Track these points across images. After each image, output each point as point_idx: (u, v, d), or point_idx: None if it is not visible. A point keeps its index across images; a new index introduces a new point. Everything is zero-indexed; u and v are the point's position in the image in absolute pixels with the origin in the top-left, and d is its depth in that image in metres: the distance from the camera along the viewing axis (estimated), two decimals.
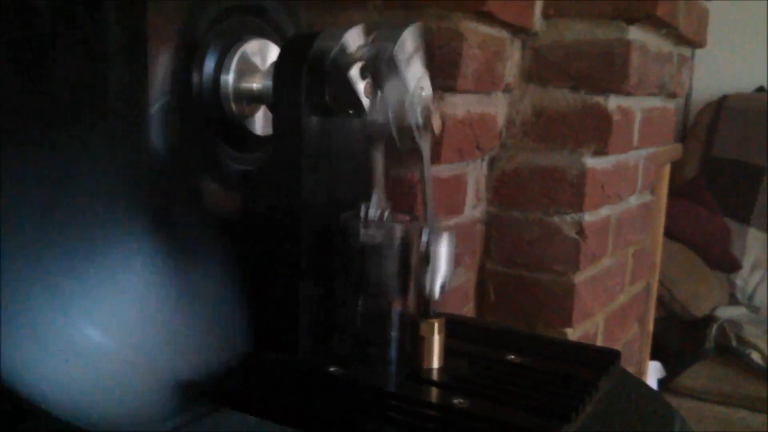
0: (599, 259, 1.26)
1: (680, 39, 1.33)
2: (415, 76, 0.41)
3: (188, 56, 0.47)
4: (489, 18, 0.99)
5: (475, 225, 1.19)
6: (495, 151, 1.18)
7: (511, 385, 0.39)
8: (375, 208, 0.42)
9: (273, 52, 0.51)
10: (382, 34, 0.42)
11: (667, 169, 2.64)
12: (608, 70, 1.10)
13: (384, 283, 0.41)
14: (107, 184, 0.44)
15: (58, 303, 0.42)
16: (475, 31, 0.99)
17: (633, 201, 1.42)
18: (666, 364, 2.68)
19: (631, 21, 1.08)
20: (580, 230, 1.16)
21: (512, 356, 0.43)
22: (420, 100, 0.42)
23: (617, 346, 1.48)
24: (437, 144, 0.99)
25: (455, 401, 0.37)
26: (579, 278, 1.19)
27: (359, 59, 0.41)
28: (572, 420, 0.35)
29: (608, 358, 0.42)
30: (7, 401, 0.43)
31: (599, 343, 1.34)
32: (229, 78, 0.50)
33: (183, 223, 0.47)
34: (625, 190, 1.34)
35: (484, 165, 1.18)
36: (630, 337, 1.58)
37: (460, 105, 1.02)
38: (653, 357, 2.59)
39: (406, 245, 0.42)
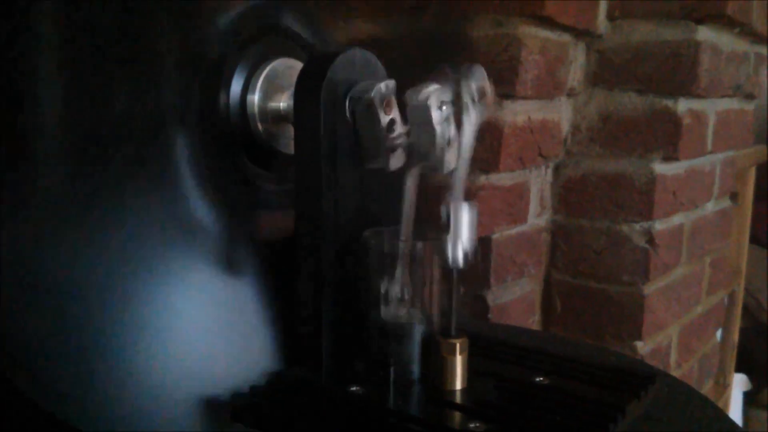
0: (672, 269, 1.21)
1: (756, 37, 1.27)
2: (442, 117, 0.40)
3: (216, 76, 0.47)
4: (549, 22, 0.96)
5: (540, 234, 1.16)
6: (560, 157, 1.15)
7: (534, 409, 0.37)
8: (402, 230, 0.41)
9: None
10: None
11: (752, 173, 2.53)
12: (676, 72, 1.05)
13: (404, 301, 0.40)
14: (137, 204, 0.44)
15: (97, 316, 0.43)
16: (535, 35, 0.96)
17: (710, 208, 1.36)
18: (752, 377, 2.57)
19: (699, 20, 1.04)
20: (650, 239, 1.11)
21: (540, 378, 0.41)
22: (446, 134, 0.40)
23: (693, 360, 1.42)
24: (495, 152, 0.97)
25: (471, 425, 0.35)
26: (649, 289, 1.14)
27: (381, 95, 0.40)
28: None
29: (643, 382, 0.40)
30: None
31: (673, 356, 1.29)
32: (255, 98, 0.50)
33: (212, 241, 0.47)
34: (700, 196, 1.28)
35: (549, 172, 1.15)
36: (708, 350, 1.51)
37: (520, 111, 0.99)
38: (738, 369, 2.49)
39: (428, 263, 0.41)
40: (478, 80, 0.41)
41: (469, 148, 0.40)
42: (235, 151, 0.49)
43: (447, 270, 0.39)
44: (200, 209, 0.46)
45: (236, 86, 0.49)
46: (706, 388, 1.55)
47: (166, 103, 0.44)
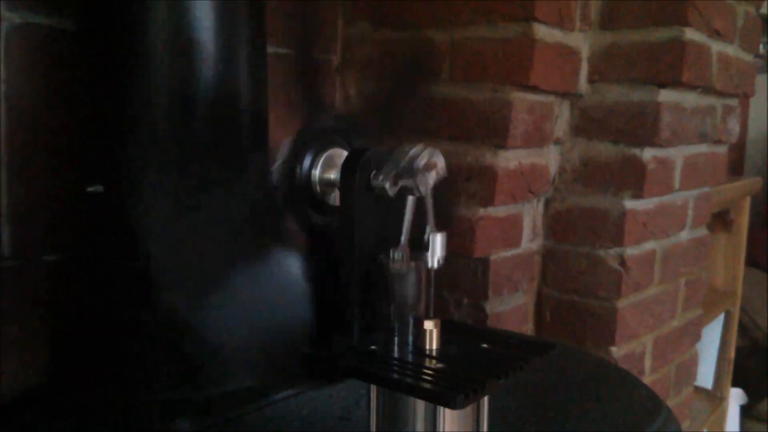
0: (644, 288, 1.44)
1: (720, 94, 1.50)
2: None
3: (295, 158, 0.76)
4: (534, 88, 1.21)
5: (532, 256, 1.40)
6: (549, 193, 1.39)
7: (476, 358, 0.62)
8: (400, 253, 0.67)
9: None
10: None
11: (747, 202, 2.73)
12: (642, 127, 1.29)
13: (405, 297, 0.66)
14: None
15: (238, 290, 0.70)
16: (523, 99, 1.21)
17: (684, 236, 1.58)
18: (748, 391, 2.76)
19: (661, 85, 1.28)
20: (622, 262, 1.35)
21: (485, 345, 0.66)
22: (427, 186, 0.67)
23: (670, 367, 1.64)
24: (492, 190, 1.22)
25: (439, 365, 0.60)
26: (622, 304, 1.37)
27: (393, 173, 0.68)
28: (500, 378, 0.58)
29: (546, 348, 0.65)
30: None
31: (647, 362, 1.51)
32: (317, 171, 0.82)
33: (289, 258, 0.75)
34: (672, 226, 1.51)
35: (541, 205, 1.40)
36: (686, 359, 1.73)
37: (512, 158, 1.24)
38: (735, 384, 2.67)
39: (418, 273, 0.67)
40: (431, 157, 0.66)
41: (430, 201, 0.66)
42: (303, 203, 0.78)
43: (429, 277, 0.65)
44: (283, 237, 0.74)
45: (306, 164, 0.80)
46: (684, 395, 1.76)
47: (268, 174, 0.73)
